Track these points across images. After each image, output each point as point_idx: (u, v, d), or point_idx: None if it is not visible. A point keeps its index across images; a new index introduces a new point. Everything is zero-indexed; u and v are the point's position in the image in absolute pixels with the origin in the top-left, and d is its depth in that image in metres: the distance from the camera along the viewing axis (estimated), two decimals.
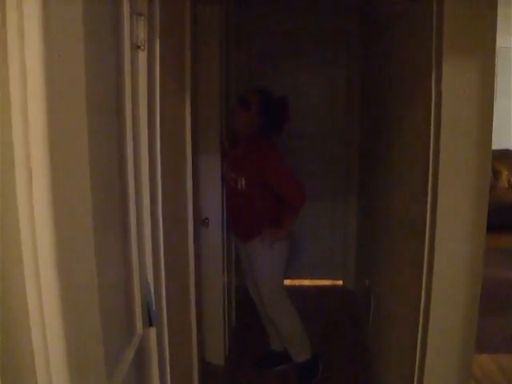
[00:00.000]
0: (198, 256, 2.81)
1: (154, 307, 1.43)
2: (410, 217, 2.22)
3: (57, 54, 0.70)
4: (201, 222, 2.90)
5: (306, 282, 4.83)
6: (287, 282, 4.73)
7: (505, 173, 6.61)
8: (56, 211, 0.68)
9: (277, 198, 2.83)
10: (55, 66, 0.69)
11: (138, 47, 1.35)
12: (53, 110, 0.67)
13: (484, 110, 1.72)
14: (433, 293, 1.84)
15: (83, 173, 0.82)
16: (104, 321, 0.93)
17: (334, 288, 4.76)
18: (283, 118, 2.90)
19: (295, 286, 4.77)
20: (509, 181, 6.56)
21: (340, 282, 4.78)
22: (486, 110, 1.73)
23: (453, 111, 1.72)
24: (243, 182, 2.84)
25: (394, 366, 2.54)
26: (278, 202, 2.84)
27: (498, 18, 1.64)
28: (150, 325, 1.43)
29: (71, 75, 0.78)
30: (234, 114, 2.93)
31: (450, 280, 1.83)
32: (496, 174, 6.54)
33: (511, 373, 3.01)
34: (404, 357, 2.23)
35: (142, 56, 1.37)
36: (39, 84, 0.65)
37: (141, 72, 1.36)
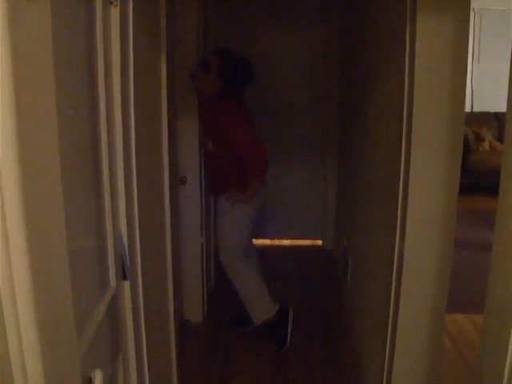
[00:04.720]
0: (175, 214, 2.79)
1: (128, 260, 1.42)
2: (385, 178, 2.23)
3: (22, 9, 0.66)
4: (179, 180, 2.88)
5: (286, 242, 4.86)
6: (267, 241, 4.78)
7: (487, 135, 6.61)
8: (22, 160, 0.65)
9: (243, 161, 2.80)
10: (20, 24, 0.65)
11: (111, 3, 1.30)
12: (18, 70, 0.64)
13: (458, 67, 1.73)
14: (405, 251, 1.87)
15: (51, 122, 0.79)
16: (73, 274, 0.91)
17: (313, 248, 4.80)
18: (244, 79, 2.86)
19: (275, 245, 4.81)
20: (490, 143, 6.58)
21: (319, 242, 4.82)
22: (460, 67, 1.73)
23: (426, 69, 1.72)
24: (210, 144, 2.85)
25: (369, 321, 2.59)
26: (244, 165, 2.81)
27: None
28: (124, 278, 1.42)
29: (36, 30, 0.74)
30: (196, 77, 2.88)
31: (422, 238, 1.86)
32: (478, 137, 6.55)
33: None
34: (378, 313, 2.26)
35: (115, 12, 1.32)
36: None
37: (113, 29, 1.31)
